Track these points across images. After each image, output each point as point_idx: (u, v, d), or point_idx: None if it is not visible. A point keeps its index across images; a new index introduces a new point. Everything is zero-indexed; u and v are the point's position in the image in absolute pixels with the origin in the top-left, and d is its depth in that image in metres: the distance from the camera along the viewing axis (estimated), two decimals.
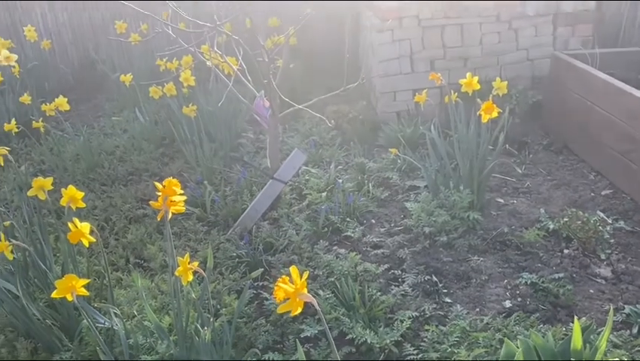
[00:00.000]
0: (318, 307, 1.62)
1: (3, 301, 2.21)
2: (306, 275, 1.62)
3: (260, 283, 2.70)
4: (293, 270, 1.63)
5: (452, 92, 3.17)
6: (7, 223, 2.28)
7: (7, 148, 2.65)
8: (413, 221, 3.11)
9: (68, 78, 5.95)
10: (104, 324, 2.14)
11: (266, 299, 2.53)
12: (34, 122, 3.89)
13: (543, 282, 2.59)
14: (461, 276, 2.73)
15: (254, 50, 2.99)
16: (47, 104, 3.94)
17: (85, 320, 2.14)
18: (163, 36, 3.54)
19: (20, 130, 3.81)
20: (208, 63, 3.16)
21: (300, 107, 2.98)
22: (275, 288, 1.61)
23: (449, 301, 2.55)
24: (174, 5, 2.84)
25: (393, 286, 2.64)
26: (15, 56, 4.37)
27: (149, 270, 2.83)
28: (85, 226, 2.00)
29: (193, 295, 2.18)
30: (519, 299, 2.54)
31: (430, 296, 2.59)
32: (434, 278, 2.68)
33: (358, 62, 5.30)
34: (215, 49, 3.25)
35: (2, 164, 2.62)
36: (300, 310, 1.60)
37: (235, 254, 2.89)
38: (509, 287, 2.63)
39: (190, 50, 3.15)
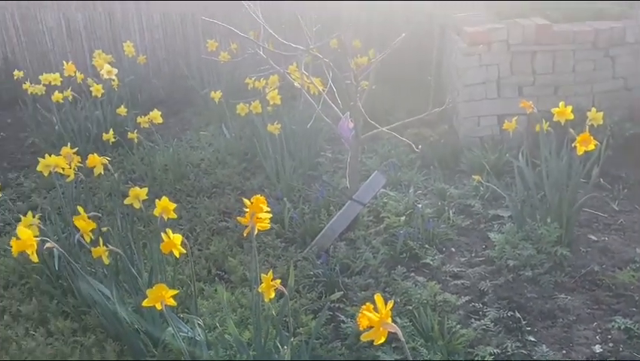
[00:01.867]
0: (402, 338, 1.59)
1: (96, 303, 2.34)
2: (390, 305, 1.60)
3: (337, 305, 2.69)
4: (378, 299, 1.61)
5: (542, 120, 3.05)
6: (104, 229, 2.42)
7: (108, 158, 2.83)
8: (496, 252, 3.00)
9: (159, 92, 6.28)
10: (187, 334, 2.21)
11: (343, 322, 2.52)
12: (129, 132, 4.13)
13: (639, 328, 2.41)
14: (546, 314, 2.59)
15: (338, 70, 3.04)
16: (142, 116, 4.18)
17: (170, 328, 2.22)
18: (251, 55, 3.69)
19: (116, 140, 4.06)
20: (296, 84, 3.23)
21: (383, 129, 2.98)
22: (360, 315, 1.60)
23: (532, 340, 2.43)
24: (266, 27, 2.94)
25: (473, 320, 2.55)
26: (115, 70, 4.70)
27: (229, 282, 2.90)
28: (177, 238, 2.09)
29: (273, 313, 2.21)
30: (611, 345, 2.38)
31: (512, 333, 2.48)
32: (517, 314, 2.57)
33: (441, 86, 5.23)
34: (303, 70, 3.33)
35: (102, 172, 2.80)
36: (383, 339, 1.58)
37: (312, 273, 2.91)
38: (599, 331, 2.47)
39: (280, 71, 3.24)
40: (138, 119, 4.15)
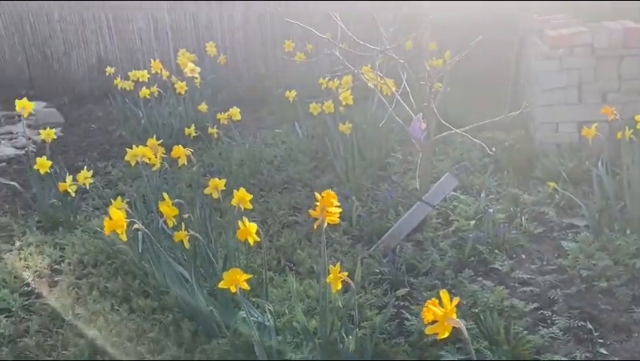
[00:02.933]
0: (466, 335, 1.61)
1: (174, 283, 2.51)
2: (456, 301, 1.63)
3: (401, 303, 2.72)
4: (443, 294, 1.64)
5: (626, 128, 2.93)
6: (186, 215, 2.59)
7: (191, 150, 3.02)
8: (569, 262, 2.91)
9: (237, 91, 6.53)
10: (257, 319, 2.32)
11: (407, 320, 2.55)
12: (209, 128, 4.35)
13: None
14: (620, 327, 2.50)
15: (413, 71, 3.06)
16: (222, 113, 4.39)
17: (241, 312, 2.35)
18: (325, 56, 3.78)
19: (197, 135, 4.29)
20: (370, 84, 3.29)
21: (458, 131, 2.97)
22: (425, 309, 1.64)
23: (604, 352, 2.35)
24: (344, 28, 3.02)
25: (541, 327, 2.50)
26: (198, 69, 4.95)
27: (298, 274, 3.00)
28: (252, 226, 2.21)
29: (340, 304, 2.28)
30: None
31: (582, 344, 2.41)
32: (589, 325, 2.49)
33: (517, 90, 5.11)
34: (377, 71, 3.38)
35: (186, 163, 2.99)
36: (447, 334, 1.60)
37: (377, 270, 2.96)
38: None
39: (354, 71, 3.31)
40: (218, 116, 4.36)
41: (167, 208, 2.50)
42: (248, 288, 2.08)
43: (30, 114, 4.07)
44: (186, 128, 4.13)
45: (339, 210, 2.22)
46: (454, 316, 1.62)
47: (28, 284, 3.11)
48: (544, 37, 4.25)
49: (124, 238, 2.11)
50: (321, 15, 5.61)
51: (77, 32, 7.20)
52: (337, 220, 2.23)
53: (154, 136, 3.27)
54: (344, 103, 4.19)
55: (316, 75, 5.37)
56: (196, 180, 4.21)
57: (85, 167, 3.37)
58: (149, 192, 3.30)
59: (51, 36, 7.28)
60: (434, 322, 1.64)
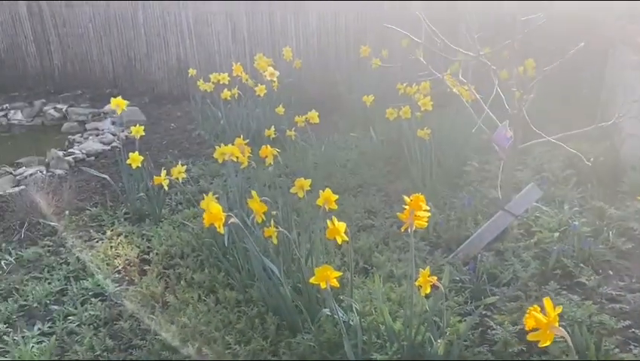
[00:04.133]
0: (570, 343, 1.58)
1: (261, 277, 2.59)
2: (559, 310, 1.60)
3: (484, 313, 2.69)
4: (546, 301, 1.62)
5: None
6: (274, 213, 2.67)
7: (277, 150, 3.11)
8: None
9: (310, 95, 6.64)
10: (341, 317, 2.36)
11: (491, 328, 2.52)
12: (287, 130, 4.45)
13: None
14: None
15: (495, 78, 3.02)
16: (299, 116, 4.48)
17: (325, 309, 2.40)
18: (400, 61, 3.78)
19: (275, 136, 4.40)
20: (454, 89, 3.27)
21: (551, 139, 2.91)
22: (527, 316, 1.63)
23: None
24: (438, 33, 3.01)
25: (633, 346, 2.40)
26: (277, 73, 5.08)
27: (375, 275, 3.02)
28: (342, 225, 2.26)
29: (427, 308, 2.28)
30: None
31: None
32: None
33: (601, 100, 4.92)
34: (460, 76, 3.36)
35: (272, 163, 3.08)
36: (549, 342, 1.59)
37: (458, 278, 2.93)
38: None
39: (439, 77, 3.30)
40: (296, 119, 4.45)
41: (257, 205, 2.58)
42: (338, 285, 2.13)
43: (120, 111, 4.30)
44: (266, 130, 4.25)
45: (428, 214, 2.23)
46: (557, 324, 1.60)
47: (119, 271, 3.30)
48: (634, 45, 4.08)
49: (221, 230, 2.21)
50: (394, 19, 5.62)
51: (160, 35, 7.55)
52: (425, 224, 2.24)
53: (241, 136, 3.38)
54: (423, 109, 4.18)
55: (389, 81, 5.40)
56: (273, 181, 4.34)
57: (173, 163, 3.56)
58: (235, 190, 3.42)
59: (135, 38, 7.67)
60: (534, 329, 1.63)
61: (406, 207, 2.24)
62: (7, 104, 7.60)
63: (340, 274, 2.10)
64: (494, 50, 2.86)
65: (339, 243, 2.27)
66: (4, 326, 2.82)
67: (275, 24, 6.99)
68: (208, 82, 5.47)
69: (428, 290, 2.11)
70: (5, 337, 2.73)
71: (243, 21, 7.09)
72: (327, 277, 2.10)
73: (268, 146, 3.21)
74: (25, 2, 7.94)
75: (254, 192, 2.69)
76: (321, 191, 2.60)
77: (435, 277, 2.11)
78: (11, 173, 4.94)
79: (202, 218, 3.60)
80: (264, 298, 2.64)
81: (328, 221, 2.28)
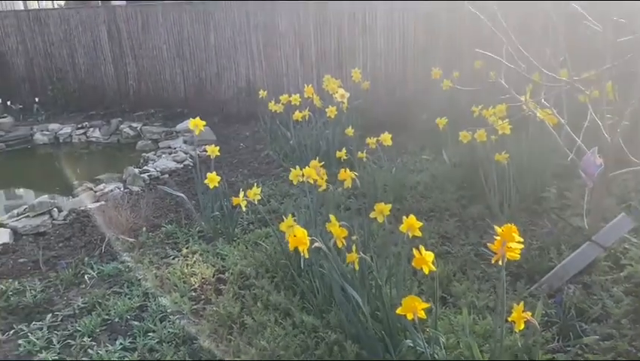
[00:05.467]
0: None
1: (342, 303, 2.56)
2: None
3: (574, 350, 2.53)
4: None
5: None
6: (354, 237, 2.64)
7: (356, 173, 3.09)
8: None
9: (377, 116, 6.62)
10: (424, 349, 2.29)
11: None
12: (358, 152, 4.43)
13: None
14: None
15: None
16: (370, 137, 4.46)
17: (408, 340, 2.33)
18: (469, 82, 3.66)
19: (346, 158, 4.39)
20: (538, 114, 3.16)
21: None
22: None
23: None
24: (531, 59, 2.94)
25: None
26: (347, 94, 5.09)
27: (455, 306, 2.93)
28: (429, 255, 2.19)
29: (519, 344, 2.17)
30: None
31: None
32: None
33: None
34: (544, 101, 3.24)
35: (349, 185, 3.06)
36: None
37: (544, 312, 2.79)
38: None
39: (521, 101, 3.20)
40: (368, 140, 4.43)
41: (337, 230, 2.56)
42: (425, 317, 2.06)
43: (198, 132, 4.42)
44: (337, 151, 4.25)
45: (521, 245, 2.13)
46: None
47: (195, 290, 3.35)
48: None
49: (307, 255, 2.20)
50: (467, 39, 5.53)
51: (230, 57, 7.77)
52: (518, 257, 2.14)
53: (317, 158, 3.39)
54: (500, 132, 4.06)
55: (460, 103, 5.30)
56: (343, 202, 4.32)
57: (243, 182, 3.60)
58: (307, 211, 3.42)
59: (206, 60, 7.94)
60: None
61: (497, 237, 2.15)
62: (87, 122, 8.02)
63: (428, 305, 2.04)
64: (588, 75, 2.74)
65: (426, 273, 2.20)
66: (89, 339, 2.92)
67: (343, 44, 7.04)
68: (278, 103, 5.56)
69: (522, 327, 2.01)
70: (90, 350, 2.82)
71: (311, 43, 7.19)
72: (414, 308, 2.04)
73: (347, 169, 3.19)
74: (105, 26, 8.39)
75: (332, 217, 2.67)
76: (404, 217, 2.55)
77: (530, 313, 2.01)
78: (92, 189, 5.17)
79: (274, 238, 3.65)
80: (342, 324, 2.60)
81: (414, 250, 2.22)
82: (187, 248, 3.89)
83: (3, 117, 8.03)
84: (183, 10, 7.87)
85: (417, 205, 4.28)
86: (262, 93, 5.94)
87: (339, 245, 2.57)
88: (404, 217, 2.81)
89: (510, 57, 3.09)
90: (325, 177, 3.28)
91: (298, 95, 5.38)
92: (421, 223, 2.50)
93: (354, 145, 5.00)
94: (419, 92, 6.41)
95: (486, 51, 3.04)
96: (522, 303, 2.00)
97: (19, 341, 2.95)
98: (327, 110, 5.05)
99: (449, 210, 4.18)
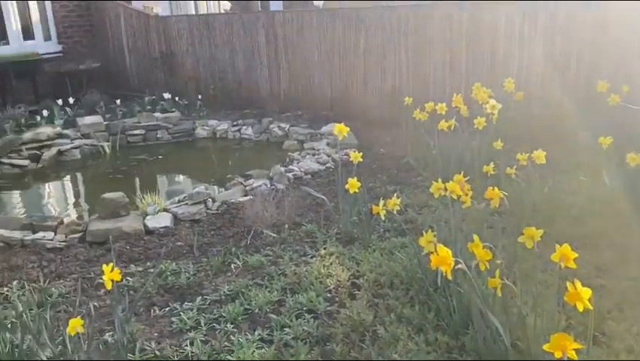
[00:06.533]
0: None
1: (479, 329, 2.45)
2: None
3: None
4: None
5: None
6: (499, 262, 2.51)
7: (505, 193, 2.94)
8: None
9: (528, 129, 6.21)
10: None
11: None
12: (507, 168, 4.21)
13: None
14: None
15: None
16: (520, 153, 4.21)
17: None
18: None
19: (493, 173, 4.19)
20: None
21: None
22: None
23: None
24: None
25: None
26: (499, 105, 4.86)
27: (609, 348, 2.65)
28: (586, 292, 2.01)
29: None
30: None
31: None
32: None
33: None
34: None
35: (497, 205, 2.92)
36: None
37: None
38: None
39: None
40: (519, 156, 4.19)
41: (480, 251, 2.46)
42: (576, 358, 1.90)
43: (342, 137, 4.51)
44: (485, 166, 4.07)
45: None
46: None
47: (330, 291, 3.43)
48: None
49: (450, 276, 2.14)
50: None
51: (377, 63, 7.84)
52: None
53: (462, 173, 3.28)
54: None
55: (627, 121, 4.79)
56: (486, 219, 4.13)
57: (381, 188, 3.58)
58: (446, 225, 3.33)
59: (354, 65, 8.09)
60: None
61: None
62: (241, 120, 8.63)
63: (582, 347, 1.87)
64: None
65: (580, 310, 2.02)
66: (231, 326, 3.13)
67: (497, 51, 6.74)
68: (423, 111, 5.48)
69: None
70: (232, 337, 3.03)
71: (462, 50, 6.98)
72: (564, 346, 1.88)
73: (495, 188, 3.05)
74: (264, 30, 8.95)
75: (476, 237, 2.57)
76: (557, 245, 2.37)
77: None
78: (242, 183, 5.54)
79: (410, 249, 3.61)
80: (479, 349, 2.49)
81: (568, 283, 2.06)
82: (324, 249, 4.00)
83: (172, 112, 8.95)
84: (336, 16, 8.11)
85: (570, 230, 3.94)
86: (407, 100, 5.90)
87: (482, 268, 2.46)
88: (556, 244, 2.65)
89: None
90: (470, 193, 3.16)
91: (444, 104, 5.25)
92: (576, 255, 2.30)
93: (502, 159, 4.75)
94: (580, 105, 5.89)
95: None
96: None
97: (172, 318, 3.27)
98: (475, 120, 4.87)
99: (607, 238, 3.80)
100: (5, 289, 3.71)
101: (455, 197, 3.14)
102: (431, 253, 2.34)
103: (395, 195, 3.45)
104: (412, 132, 6.06)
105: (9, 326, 2.99)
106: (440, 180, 3.34)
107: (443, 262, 2.13)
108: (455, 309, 2.80)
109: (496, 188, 3.02)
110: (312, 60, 8.54)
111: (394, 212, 3.37)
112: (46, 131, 7.95)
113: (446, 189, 3.21)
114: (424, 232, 2.83)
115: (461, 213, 4.26)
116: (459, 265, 2.17)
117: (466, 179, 3.27)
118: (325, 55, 8.35)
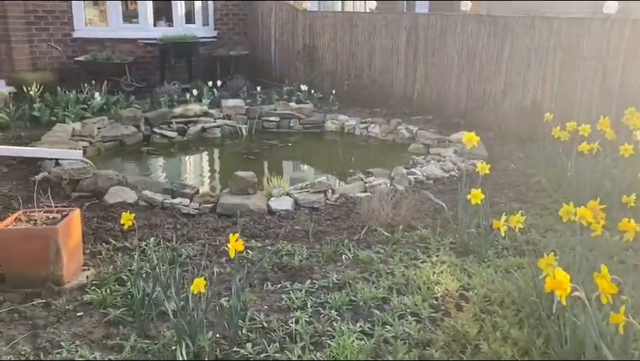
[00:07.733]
0: None
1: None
2: None
3: None
4: None
5: None
6: (624, 297, 2.33)
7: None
8: None
9: None
10: None
11: None
12: None
13: None
14: None
15: None
16: None
17: None
18: None
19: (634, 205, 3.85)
20: None
21: None
22: None
23: None
24: None
25: None
26: None
27: None
28: None
29: None
30: None
31: None
32: None
33: None
34: None
35: (631, 239, 2.71)
36: None
37: None
38: None
39: None
40: None
41: (605, 283, 2.31)
42: None
43: (470, 147, 4.42)
44: (624, 196, 3.76)
45: None
46: None
47: (436, 298, 3.41)
48: None
49: (564, 301, 2.04)
50: None
51: (520, 74, 7.50)
52: None
53: (598, 200, 3.07)
54: None
55: None
56: (617, 253, 3.83)
57: (506, 205, 3.44)
58: (571, 252, 3.14)
59: (494, 74, 7.81)
60: None
61: None
62: (370, 118, 8.75)
63: None
64: None
65: None
66: (335, 313, 3.25)
67: None
68: (564, 129, 5.17)
69: None
70: (334, 323, 3.14)
71: (618, 70, 6.44)
72: None
73: (632, 220, 2.82)
74: (405, 31, 8.96)
75: (604, 267, 2.41)
76: None
77: None
78: (362, 180, 5.65)
79: (528, 271, 3.45)
80: None
81: None
82: (436, 256, 3.97)
83: (306, 103, 9.32)
84: (482, 22, 7.88)
85: None
86: (548, 116, 5.60)
87: (604, 301, 2.31)
88: None
89: None
90: (603, 222, 2.95)
91: (589, 125, 4.91)
92: None
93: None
94: None
95: None
96: None
97: (282, 295, 3.46)
98: (621, 147, 4.49)
99: None
100: (144, 243, 4.18)
101: (586, 223, 2.95)
102: (549, 275, 2.24)
103: (520, 212, 3.31)
104: (549, 151, 5.74)
105: (144, 275, 3.38)
106: (571, 203, 3.16)
107: (559, 286, 2.04)
108: (568, 340, 2.65)
109: (632, 220, 2.79)
110: (451, 65, 8.39)
111: (516, 230, 3.25)
112: (194, 108, 8.72)
113: (576, 214, 3.03)
114: (545, 255, 2.71)
115: (590, 243, 3.99)
116: (576, 293, 2.06)
117: (601, 207, 3.06)
118: (465, 60, 8.17)
